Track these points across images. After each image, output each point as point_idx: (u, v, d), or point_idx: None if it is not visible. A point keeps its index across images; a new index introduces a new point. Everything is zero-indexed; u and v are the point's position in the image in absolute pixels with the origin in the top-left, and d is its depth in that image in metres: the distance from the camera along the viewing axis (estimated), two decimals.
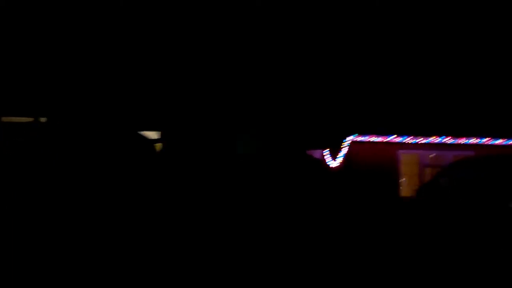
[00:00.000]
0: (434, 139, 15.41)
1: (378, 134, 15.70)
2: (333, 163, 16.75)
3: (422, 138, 15.56)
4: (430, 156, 16.12)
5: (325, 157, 17.51)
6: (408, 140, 15.66)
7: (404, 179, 16.60)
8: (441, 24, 16.18)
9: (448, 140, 15.28)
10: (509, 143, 14.64)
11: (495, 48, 15.41)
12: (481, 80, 15.49)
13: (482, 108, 15.20)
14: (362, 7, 16.50)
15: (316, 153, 16.87)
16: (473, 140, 15.00)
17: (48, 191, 6.75)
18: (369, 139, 16.16)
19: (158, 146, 10.34)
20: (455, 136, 15.09)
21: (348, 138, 16.63)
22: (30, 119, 12.65)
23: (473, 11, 15.64)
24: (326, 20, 16.59)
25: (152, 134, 11.94)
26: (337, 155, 16.55)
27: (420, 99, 16.21)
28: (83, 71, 14.60)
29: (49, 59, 14.32)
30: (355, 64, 16.71)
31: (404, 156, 16.62)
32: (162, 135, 14.73)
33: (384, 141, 16.30)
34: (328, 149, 17.36)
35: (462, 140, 15.11)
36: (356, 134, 16.14)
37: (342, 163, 16.90)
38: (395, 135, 15.64)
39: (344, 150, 16.77)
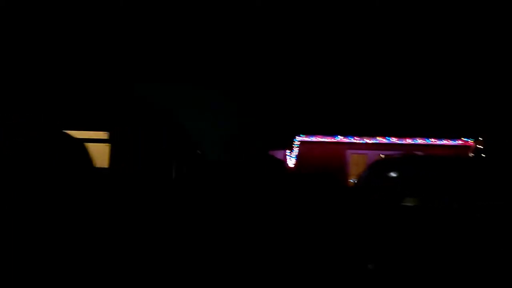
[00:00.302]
0: (381, 140, 15.50)
1: (325, 134, 15.76)
2: (289, 163, 16.75)
3: (369, 139, 15.65)
4: (379, 156, 16.18)
5: (286, 157, 17.45)
6: (355, 140, 15.74)
7: (353, 179, 16.63)
8: (378, 25, 16.33)
9: (394, 140, 15.38)
10: (455, 143, 14.86)
11: (436, 50, 15.67)
12: (427, 81, 15.70)
13: (427, 109, 15.40)
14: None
15: (278, 154, 16.83)
16: (421, 141, 15.16)
17: None
18: (317, 139, 16.26)
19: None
20: (401, 136, 15.21)
21: (298, 138, 16.64)
22: None
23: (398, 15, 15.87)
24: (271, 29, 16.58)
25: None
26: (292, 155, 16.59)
27: (366, 99, 16.31)
28: None
29: None
30: (299, 66, 16.71)
31: (353, 157, 16.69)
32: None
33: (332, 141, 16.40)
34: (287, 150, 17.37)
35: (409, 141, 15.24)
36: (303, 135, 16.19)
37: (296, 164, 16.94)
38: (342, 136, 15.72)
39: (295, 151, 16.80)
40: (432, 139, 14.91)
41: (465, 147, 14.74)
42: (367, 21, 16.44)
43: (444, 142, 14.90)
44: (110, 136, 10.75)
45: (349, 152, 16.61)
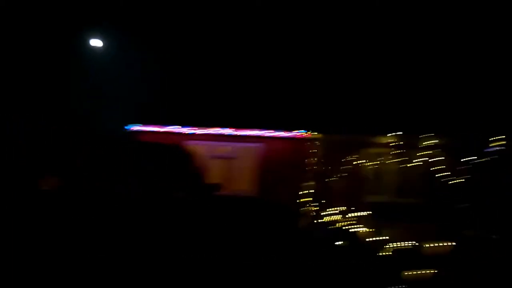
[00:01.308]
0: (218, 131, 15.08)
1: (161, 124, 15.03)
2: None
3: (205, 129, 15.21)
4: (218, 147, 15.79)
5: None
6: (189, 130, 15.24)
7: (193, 170, 16.00)
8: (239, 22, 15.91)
9: (231, 131, 15.06)
10: (291, 135, 14.88)
11: (282, 44, 15.58)
12: (263, 73, 15.56)
13: (263, 102, 15.26)
14: None
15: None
16: (258, 132, 14.97)
17: None
18: (154, 129, 15.51)
19: None
20: (237, 128, 14.92)
21: (133, 128, 15.71)
22: None
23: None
24: None
25: None
26: None
27: (201, 90, 15.80)
28: None
29: None
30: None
31: (192, 148, 16.03)
32: None
33: (171, 132, 15.75)
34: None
35: (245, 132, 14.99)
36: (139, 124, 15.30)
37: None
38: (178, 126, 15.11)
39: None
40: (267, 131, 14.78)
41: (301, 139, 14.82)
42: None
43: (281, 134, 14.84)
44: None
45: (189, 143, 15.91)
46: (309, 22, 15.87)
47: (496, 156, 13.13)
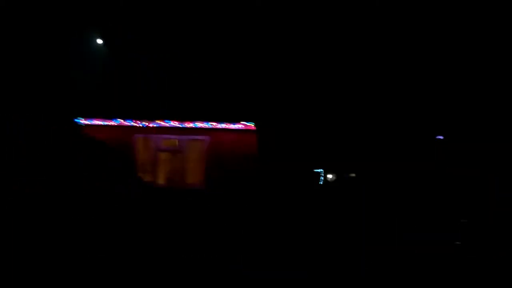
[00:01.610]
0: (162, 124, 15.22)
1: (105, 118, 15.04)
2: None
3: (149, 122, 15.35)
4: (165, 140, 15.93)
5: None
6: (137, 124, 15.34)
7: (141, 163, 16.17)
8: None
9: (177, 124, 15.23)
10: (235, 127, 15.16)
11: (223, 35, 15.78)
12: (208, 65, 15.76)
13: (208, 93, 15.45)
14: None
15: None
16: (201, 125, 15.19)
17: None
18: (102, 123, 15.53)
19: None
20: (182, 120, 15.09)
21: (81, 121, 15.69)
22: None
23: None
24: None
25: None
26: None
27: (144, 84, 15.85)
28: None
29: None
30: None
31: (139, 141, 16.18)
32: None
33: (118, 125, 15.82)
34: None
35: (190, 124, 15.19)
36: (82, 118, 15.28)
37: None
38: (124, 119, 15.17)
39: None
40: (213, 123, 15.01)
41: (246, 131, 15.15)
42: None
43: (225, 125, 15.10)
44: None
45: (136, 136, 16.03)
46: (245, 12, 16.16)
47: None
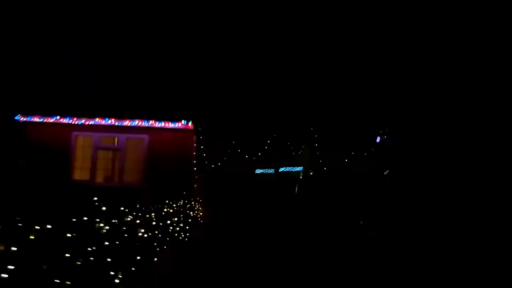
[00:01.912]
0: (100, 122, 15.17)
1: (43, 114, 14.92)
2: None
3: (88, 120, 15.26)
4: (104, 138, 15.88)
5: None
6: (76, 121, 15.27)
7: (78, 161, 16.06)
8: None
9: (116, 122, 15.22)
10: (175, 126, 15.23)
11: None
12: (146, 63, 15.84)
13: (147, 92, 15.54)
14: None
15: None
16: (143, 123, 15.21)
17: None
18: (40, 120, 15.39)
19: None
20: (120, 118, 15.08)
21: (20, 118, 15.51)
22: None
23: None
24: None
25: None
26: None
27: (82, 79, 15.80)
28: None
29: None
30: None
31: (78, 139, 16.07)
32: None
33: (57, 122, 15.70)
34: None
35: (130, 122, 15.20)
36: (26, 115, 15.13)
37: None
38: (60, 116, 15.06)
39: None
40: (152, 122, 15.05)
41: (185, 130, 15.25)
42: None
43: (163, 124, 15.15)
44: None
45: (74, 134, 15.91)
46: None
47: None
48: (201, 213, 14.66)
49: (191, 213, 13.60)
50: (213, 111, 15.25)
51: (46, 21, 15.77)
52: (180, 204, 12.52)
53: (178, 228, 11.59)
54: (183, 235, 11.18)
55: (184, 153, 15.13)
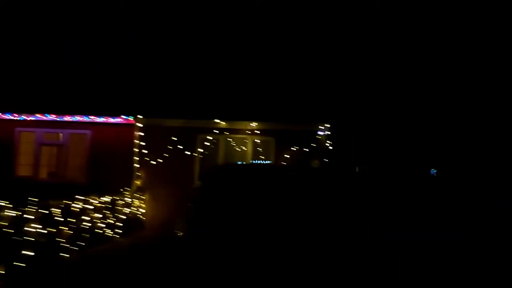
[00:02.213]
0: (41, 117, 15.04)
1: None
2: None
3: (28, 116, 15.15)
4: (47, 134, 15.74)
5: None
6: (17, 117, 15.19)
7: (22, 157, 15.95)
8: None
9: (54, 117, 15.07)
10: (115, 121, 15.02)
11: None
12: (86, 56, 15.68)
13: (88, 86, 15.33)
14: None
15: None
16: (85, 118, 15.03)
17: None
18: None
19: None
20: (60, 113, 14.93)
21: None
22: None
23: None
24: None
25: None
26: None
27: (29, 74, 15.71)
28: None
29: None
30: None
31: (22, 135, 15.96)
32: None
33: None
34: None
35: (68, 118, 15.04)
36: None
37: None
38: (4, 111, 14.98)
39: None
40: (92, 116, 14.86)
41: (127, 125, 15.03)
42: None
43: (104, 119, 14.96)
44: None
45: (17, 130, 15.81)
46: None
47: None
48: (142, 210, 14.47)
49: (127, 210, 13.43)
50: (158, 107, 15.02)
51: None
52: (106, 200, 12.34)
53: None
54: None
55: (124, 148, 14.93)
